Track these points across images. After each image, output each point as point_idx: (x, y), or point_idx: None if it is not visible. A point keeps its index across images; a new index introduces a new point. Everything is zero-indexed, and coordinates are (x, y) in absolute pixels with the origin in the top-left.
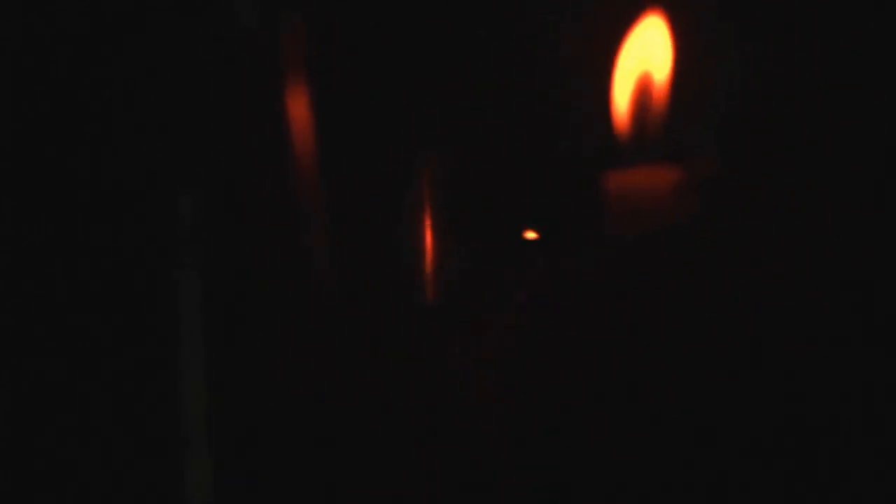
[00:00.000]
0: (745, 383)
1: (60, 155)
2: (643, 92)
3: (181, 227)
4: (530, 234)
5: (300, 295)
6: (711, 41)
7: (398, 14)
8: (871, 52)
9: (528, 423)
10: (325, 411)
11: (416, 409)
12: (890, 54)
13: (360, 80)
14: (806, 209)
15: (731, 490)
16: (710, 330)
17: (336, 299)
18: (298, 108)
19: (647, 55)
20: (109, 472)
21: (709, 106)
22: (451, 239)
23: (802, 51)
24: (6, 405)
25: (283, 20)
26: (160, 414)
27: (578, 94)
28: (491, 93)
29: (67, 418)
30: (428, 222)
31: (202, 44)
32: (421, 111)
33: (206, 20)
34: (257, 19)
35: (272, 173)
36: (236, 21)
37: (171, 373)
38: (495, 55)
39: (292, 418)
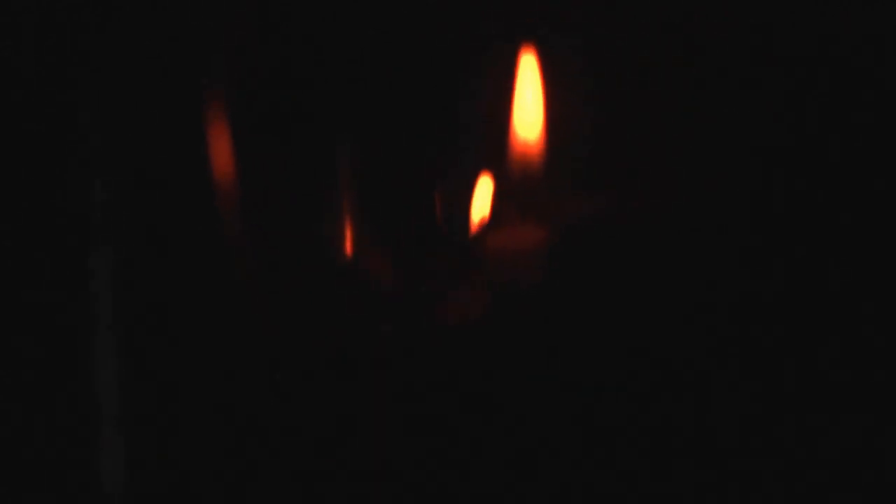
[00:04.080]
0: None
1: None
2: (521, 154)
3: (95, 211)
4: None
5: (215, 278)
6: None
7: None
8: (737, 104)
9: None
10: (240, 392)
11: (332, 394)
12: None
13: (273, 73)
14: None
15: None
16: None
17: (250, 281)
18: (212, 96)
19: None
20: (23, 454)
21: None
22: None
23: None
24: None
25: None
26: (74, 397)
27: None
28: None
29: None
30: (341, 211)
31: (112, 44)
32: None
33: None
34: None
35: (187, 160)
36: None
37: (86, 355)
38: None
39: (206, 402)
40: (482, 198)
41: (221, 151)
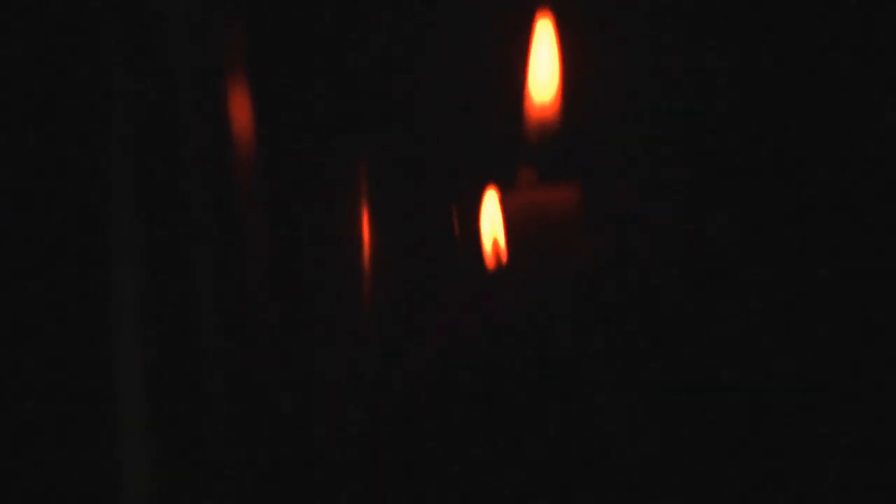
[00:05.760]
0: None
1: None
2: (541, 113)
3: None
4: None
5: (236, 295)
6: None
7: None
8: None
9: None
10: (259, 404)
11: (357, 408)
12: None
13: (296, 78)
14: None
15: None
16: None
17: (272, 298)
18: (237, 108)
19: (544, 79)
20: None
21: (606, 126)
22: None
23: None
24: None
25: (223, 21)
26: (96, 406)
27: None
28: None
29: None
30: (362, 219)
31: (140, 53)
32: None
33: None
34: (196, 22)
35: (209, 172)
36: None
37: (106, 363)
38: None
39: (228, 412)
40: (493, 216)
41: (245, 167)
